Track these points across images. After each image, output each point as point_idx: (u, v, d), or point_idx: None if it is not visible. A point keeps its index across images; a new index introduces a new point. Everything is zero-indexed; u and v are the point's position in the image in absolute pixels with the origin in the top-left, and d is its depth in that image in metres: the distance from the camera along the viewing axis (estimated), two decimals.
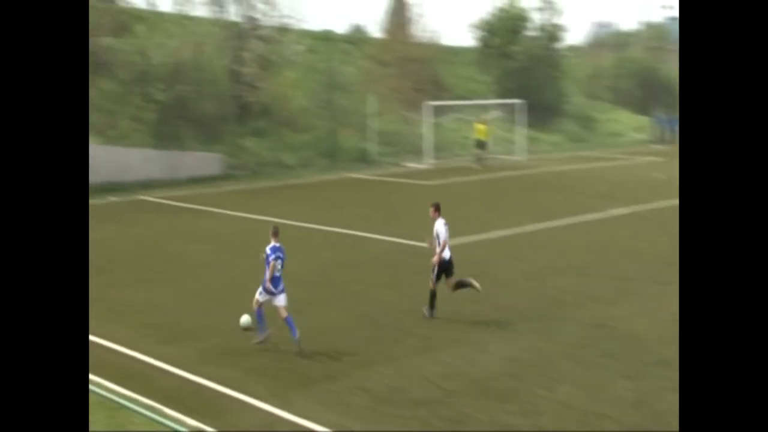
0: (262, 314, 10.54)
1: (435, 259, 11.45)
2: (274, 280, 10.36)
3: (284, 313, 10.37)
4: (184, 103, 28.71)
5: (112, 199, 22.99)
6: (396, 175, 29.90)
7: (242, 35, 31.62)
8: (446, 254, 11.55)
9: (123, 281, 13.63)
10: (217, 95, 30.97)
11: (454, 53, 43.67)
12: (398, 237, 17.40)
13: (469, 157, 32.54)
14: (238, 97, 31.59)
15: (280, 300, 10.40)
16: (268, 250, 10.37)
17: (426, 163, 33.05)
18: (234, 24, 31.86)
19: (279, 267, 10.39)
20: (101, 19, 27.79)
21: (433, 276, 11.53)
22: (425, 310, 11.61)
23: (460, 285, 11.61)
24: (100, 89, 27.46)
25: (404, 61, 36.42)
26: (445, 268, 11.55)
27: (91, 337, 10.63)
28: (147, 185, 25.84)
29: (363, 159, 33.87)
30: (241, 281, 13.60)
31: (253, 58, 31.60)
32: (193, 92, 29.15)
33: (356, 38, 44.80)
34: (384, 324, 11.60)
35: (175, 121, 28.29)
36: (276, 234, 10.64)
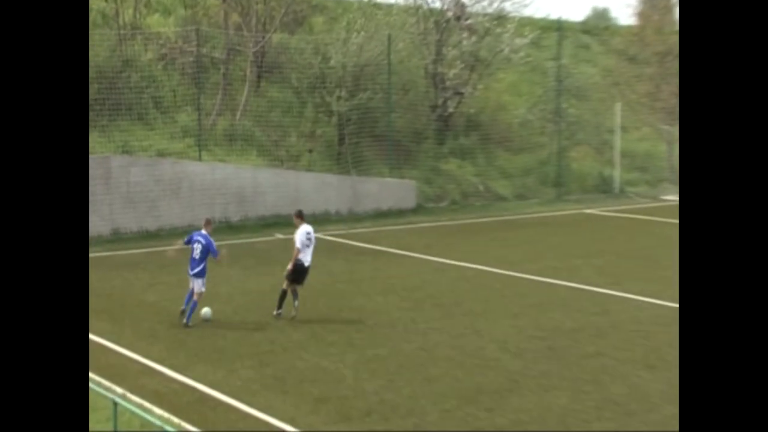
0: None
1: (289, 266, 15.71)
2: (191, 263, 15.25)
3: (194, 297, 15.16)
4: (369, 115, 29.86)
5: (279, 236, 24.26)
6: (649, 212, 29.04)
7: (446, 27, 32.41)
8: (305, 260, 15.80)
9: (289, 341, 14.27)
10: (411, 105, 31.94)
11: None
12: (655, 297, 16.92)
13: None
14: (438, 107, 32.36)
15: (195, 284, 15.13)
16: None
17: None
18: (435, 13, 32.76)
19: (197, 251, 15.19)
20: (272, 12, 29.75)
21: (287, 277, 15.76)
22: (275, 311, 15.72)
23: (287, 295, 15.73)
24: (266, 98, 29.31)
25: (664, 57, 35.46)
26: (299, 273, 15.77)
27: (251, 410, 11.22)
28: (322, 219, 27.03)
29: (603, 189, 33.34)
30: (438, 348, 13.75)
31: (458, 56, 32.26)
32: (382, 101, 30.23)
33: (598, 27, 44.45)
34: (632, 411, 11.23)
35: (358, 138, 29.46)
36: (208, 224, 15.74)
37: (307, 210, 26.84)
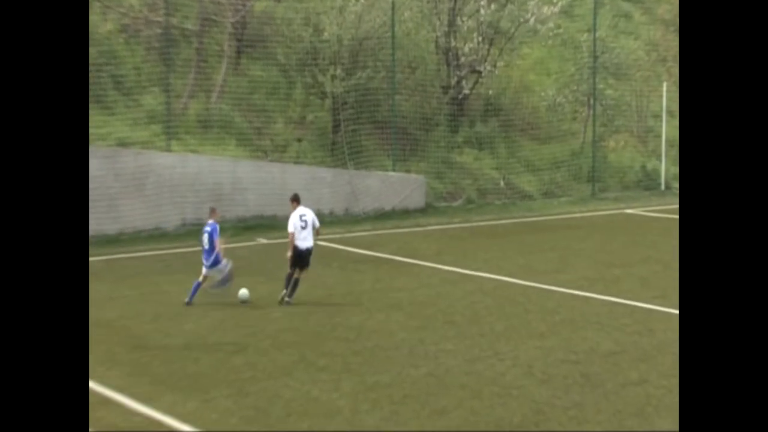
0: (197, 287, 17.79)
1: (288, 253, 17.94)
2: (204, 256, 17.84)
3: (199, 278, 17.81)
4: (370, 97, 29.82)
5: (263, 240, 24.18)
6: None
7: None
8: (302, 245, 17.89)
9: (273, 365, 14.19)
10: (419, 85, 31.91)
11: None
12: None
13: None
14: (451, 87, 32.32)
15: (217, 273, 17.82)
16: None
17: None
18: None
19: (205, 242, 17.75)
20: None
21: (289, 262, 17.97)
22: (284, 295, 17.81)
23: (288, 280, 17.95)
24: (247, 77, 29.27)
25: None
26: (298, 257, 17.84)
27: None
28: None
29: (647, 185, 33.36)
30: (450, 374, 13.68)
31: (475, 27, 32.25)
32: (384, 81, 30.20)
33: None
34: None
35: (356, 125, 29.42)
36: (213, 212, 18.37)
37: None
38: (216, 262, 17.75)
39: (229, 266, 17.91)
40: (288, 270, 17.89)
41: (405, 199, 28.67)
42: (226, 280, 17.92)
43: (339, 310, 17.58)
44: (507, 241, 24.85)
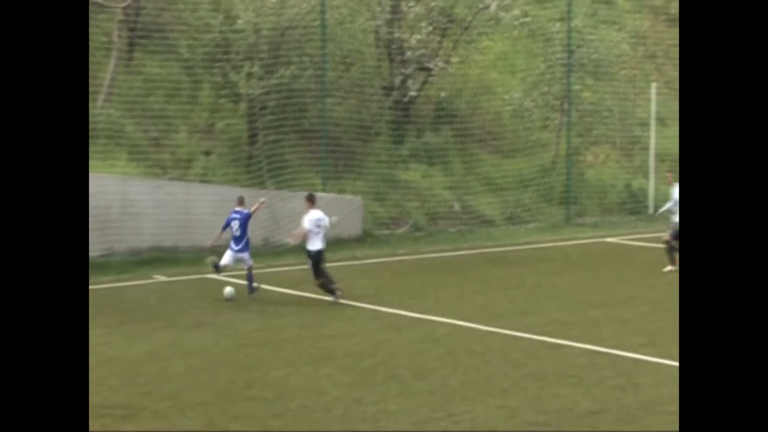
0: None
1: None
2: (233, 242, 22.53)
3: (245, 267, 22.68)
4: (294, 100, 29.90)
5: (161, 278, 24.09)
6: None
7: None
8: (312, 247, 21.71)
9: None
10: (355, 86, 32.05)
11: None
12: None
13: None
14: (394, 88, 32.49)
15: (244, 261, 22.59)
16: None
17: None
18: None
19: (235, 228, 22.44)
20: None
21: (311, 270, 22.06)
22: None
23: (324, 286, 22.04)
24: (142, 75, 29.21)
25: None
26: (314, 262, 21.76)
27: None
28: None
29: (632, 208, 33.71)
30: None
31: (424, 15, 32.49)
32: (312, 81, 30.28)
33: None
34: None
35: (278, 135, 29.49)
36: (241, 202, 22.87)
37: (204, 238, 26.98)
38: (247, 247, 22.53)
39: (251, 263, 22.60)
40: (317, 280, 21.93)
41: (338, 226, 28.74)
42: (220, 268, 22.69)
43: (256, 363, 17.57)
44: (463, 278, 25.00)
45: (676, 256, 25.33)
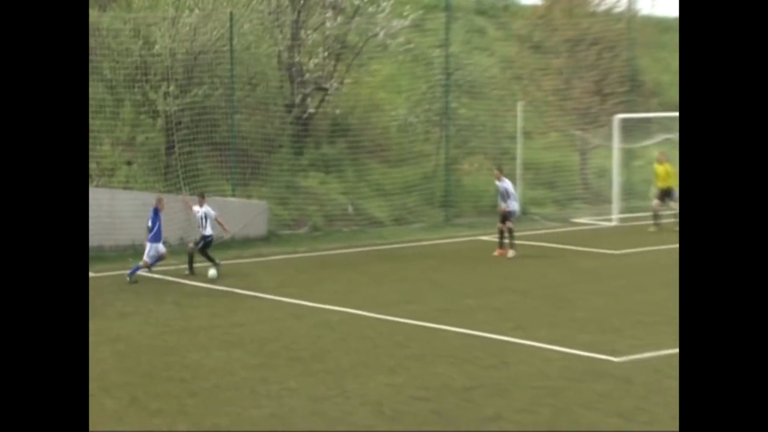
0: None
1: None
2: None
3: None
4: (206, 116, 29.72)
5: (90, 273, 23.80)
6: (559, 239, 29.81)
7: (304, 5, 32.61)
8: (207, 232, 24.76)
9: (103, 412, 14.02)
10: (261, 103, 31.94)
11: (665, 30, 43.39)
12: (566, 345, 17.34)
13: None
14: (295, 106, 32.45)
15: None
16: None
17: (613, 219, 32.80)
18: None
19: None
20: None
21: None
22: None
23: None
24: None
25: (575, 46, 36.65)
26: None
27: None
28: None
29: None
30: (294, 414, 13.77)
31: (320, 41, 32.48)
32: (222, 99, 30.13)
33: (495, 8, 45.46)
34: None
35: (192, 147, 29.28)
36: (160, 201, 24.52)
37: (126, 239, 26.79)
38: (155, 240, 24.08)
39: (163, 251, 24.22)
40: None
41: (246, 227, 28.65)
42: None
43: (173, 348, 17.47)
44: (355, 272, 25.08)
45: (505, 242, 26.56)
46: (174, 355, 16.99)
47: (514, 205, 26.78)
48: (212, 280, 23.41)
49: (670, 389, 14.62)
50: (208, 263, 24.15)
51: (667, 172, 30.80)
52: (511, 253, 26.34)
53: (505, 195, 26.70)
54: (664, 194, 30.97)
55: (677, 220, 28.79)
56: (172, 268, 24.95)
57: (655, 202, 31.23)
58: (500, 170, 27.35)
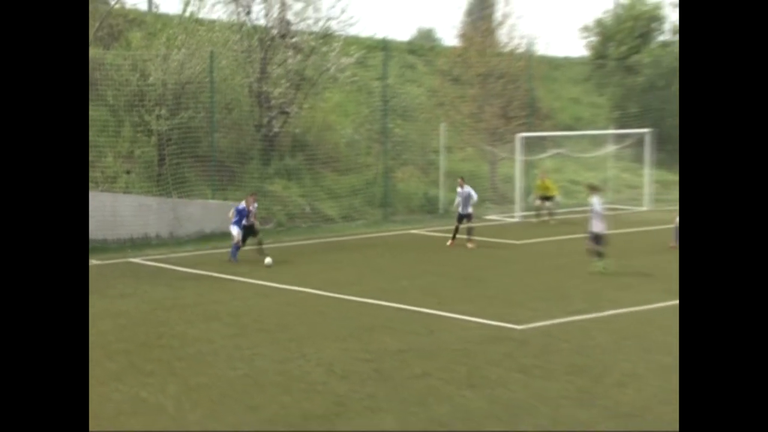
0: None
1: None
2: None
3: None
4: (191, 134, 29.53)
5: (94, 261, 23.58)
6: (474, 232, 29.99)
7: (270, 45, 32.49)
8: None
9: (105, 373, 13.90)
10: (235, 124, 31.83)
11: (556, 67, 43.98)
12: (478, 316, 17.45)
13: (555, 208, 32.52)
14: (263, 126, 32.36)
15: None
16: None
17: (515, 216, 33.10)
18: (260, 30, 32.81)
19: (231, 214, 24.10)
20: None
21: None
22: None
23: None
24: None
25: (486, 79, 36.90)
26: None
27: None
28: (141, 244, 26.50)
29: (429, 209, 34.16)
30: (263, 374, 13.74)
31: (283, 74, 32.42)
32: (204, 120, 29.98)
33: (423, 48, 45.71)
34: (457, 431, 11.56)
35: (180, 159, 29.08)
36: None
37: (125, 234, 26.54)
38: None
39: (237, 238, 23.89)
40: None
41: (223, 224, 28.49)
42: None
43: (165, 321, 17.37)
44: (312, 259, 25.06)
45: (467, 236, 26.41)
46: (165, 327, 16.88)
47: (469, 209, 26.65)
48: (268, 266, 23.04)
49: (560, 350, 14.88)
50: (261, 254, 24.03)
51: (546, 185, 32.30)
52: (470, 245, 26.31)
53: (468, 199, 26.61)
54: (544, 198, 32.27)
55: (552, 217, 31.71)
56: (163, 257, 24.75)
57: (537, 202, 32.39)
58: (463, 179, 27.25)
